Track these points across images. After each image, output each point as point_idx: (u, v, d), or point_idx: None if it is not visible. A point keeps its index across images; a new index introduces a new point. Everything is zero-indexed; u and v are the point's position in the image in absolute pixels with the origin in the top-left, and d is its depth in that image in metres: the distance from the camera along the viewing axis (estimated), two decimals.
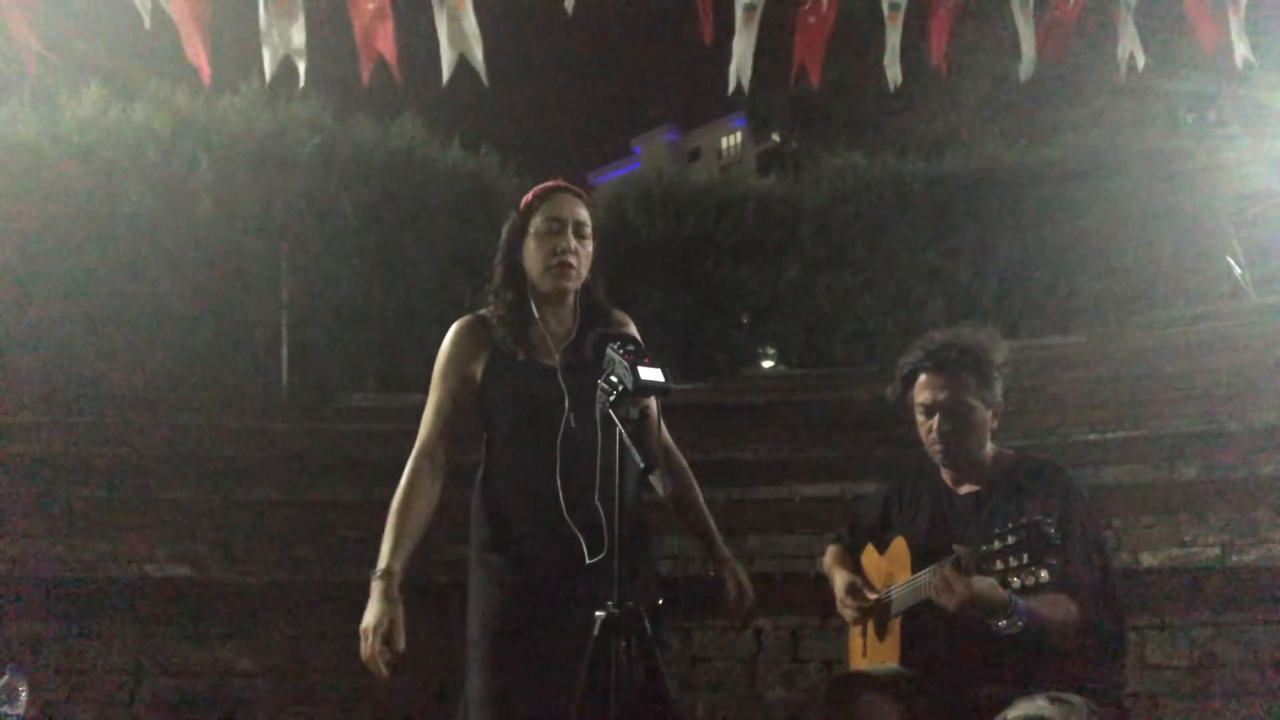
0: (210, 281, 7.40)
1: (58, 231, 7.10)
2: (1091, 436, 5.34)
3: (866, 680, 2.17)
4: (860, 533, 2.46)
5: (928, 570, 2.05)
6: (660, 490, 1.68)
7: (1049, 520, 1.86)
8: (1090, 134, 11.21)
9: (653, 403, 1.98)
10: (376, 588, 1.93)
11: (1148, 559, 3.91)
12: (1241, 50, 4.13)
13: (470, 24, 3.57)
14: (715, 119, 48.37)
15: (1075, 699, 1.95)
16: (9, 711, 2.22)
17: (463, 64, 3.60)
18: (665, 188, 10.12)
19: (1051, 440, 5.29)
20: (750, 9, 3.79)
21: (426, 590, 2.92)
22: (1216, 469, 4.07)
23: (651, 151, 45.57)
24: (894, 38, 4.08)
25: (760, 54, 3.94)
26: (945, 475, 2.29)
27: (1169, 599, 3.22)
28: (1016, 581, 1.85)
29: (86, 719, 3.41)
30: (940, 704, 2.08)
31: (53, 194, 7.13)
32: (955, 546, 2.02)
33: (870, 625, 2.33)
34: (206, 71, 3.48)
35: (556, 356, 2.10)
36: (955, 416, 2.18)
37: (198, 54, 3.41)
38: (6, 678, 2.25)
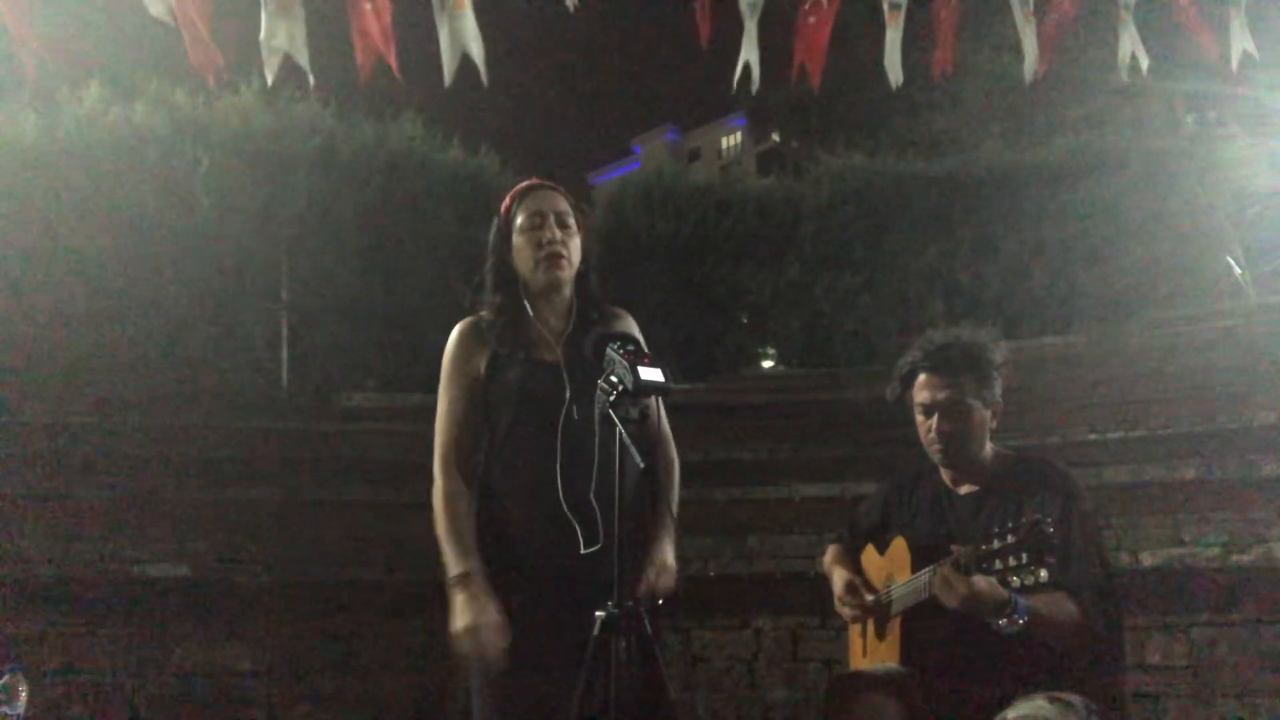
0: (210, 281, 7.39)
1: (58, 231, 7.10)
2: (1091, 436, 5.33)
3: (866, 680, 2.17)
4: (860, 533, 2.47)
5: (928, 570, 2.06)
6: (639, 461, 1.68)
7: (1048, 520, 1.86)
8: (1090, 134, 11.17)
9: (654, 402, 1.98)
10: (460, 592, 1.94)
11: (1148, 559, 3.91)
12: (1241, 47, 4.13)
13: (470, 24, 3.58)
14: (715, 119, 48.36)
15: (1075, 699, 1.96)
16: (9, 711, 2.22)
17: (463, 64, 3.60)
18: (665, 188, 10.09)
19: (1051, 440, 5.28)
20: (752, 8, 3.80)
21: (426, 590, 2.92)
22: (1216, 469, 4.06)
23: (651, 152, 45.53)
24: (894, 38, 4.08)
25: (760, 54, 3.94)
26: (945, 475, 2.29)
27: (1169, 599, 3.22)
28: (1016, 581, 1.86)
29: (86, 719, 3.41)
30: (940, 704, 2.08)
31: (53, 194, 7.12)
32: (955, 546, 2.03)
33: (870, 625, 2.33)
34: (212, 76, 3.48)
35: (558, 350, 2.10)
36: (955, 416, 2.19)
37: (206, 57, 3.40)
38: (6, 678, 2.25)
